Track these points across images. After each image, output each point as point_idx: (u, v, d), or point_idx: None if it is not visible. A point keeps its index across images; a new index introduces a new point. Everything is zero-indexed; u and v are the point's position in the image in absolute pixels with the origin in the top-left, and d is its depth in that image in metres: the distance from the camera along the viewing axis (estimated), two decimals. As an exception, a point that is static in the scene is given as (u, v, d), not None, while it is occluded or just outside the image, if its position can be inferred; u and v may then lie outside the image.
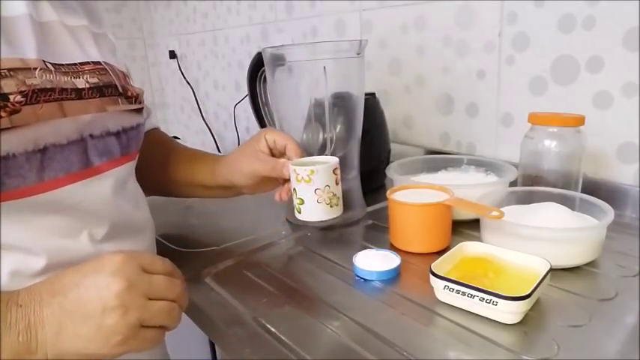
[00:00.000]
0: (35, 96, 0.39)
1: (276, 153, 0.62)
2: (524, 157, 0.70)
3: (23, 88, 0.38)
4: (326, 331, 0.46)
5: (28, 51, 0.41)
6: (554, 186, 0.66)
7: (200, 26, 1.78)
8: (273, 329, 0.47)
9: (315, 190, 0.54)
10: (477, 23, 0.87)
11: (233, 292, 0.54)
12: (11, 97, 0.37)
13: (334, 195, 0.55)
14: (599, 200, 0.59)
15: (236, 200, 0.71)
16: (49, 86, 0.41)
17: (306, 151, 0.75)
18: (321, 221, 0.56)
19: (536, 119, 0.69)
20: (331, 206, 0.56)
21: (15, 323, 0.35)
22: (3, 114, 0.37)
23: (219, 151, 1.80)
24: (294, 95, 0.73)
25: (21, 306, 0.36)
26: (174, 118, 2.21)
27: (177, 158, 0.68)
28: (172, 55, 1.99)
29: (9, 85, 0.38)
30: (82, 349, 0.37)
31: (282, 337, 0.45)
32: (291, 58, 0.68)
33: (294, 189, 0.55)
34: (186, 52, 1.94)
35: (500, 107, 0.87)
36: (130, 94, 0.51)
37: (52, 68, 0.42)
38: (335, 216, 0.56)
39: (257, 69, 0.83)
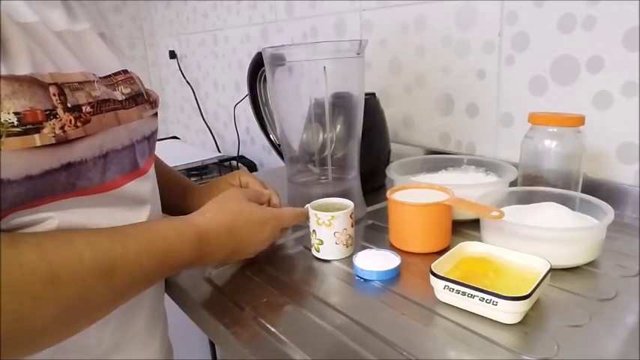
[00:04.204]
0: (99, 106, 0.42)
1: None
2: (524, 157, 0.70)
3: (90, 100, 0.42)
4: (326, 331, 0.46)
5: (84, 64, 0.44)
6: (554, 186, 0.66)
7: (200, 26, 1.78)
8: (273, 329, 0.47)
9: (334, 233, 0.59)
10: (477, 23, 0.87)
11: (233, 292, 0.54)
12: (83, 108, 0.41)
13: (350, 236, 0.61)
14: (599, 200, 0.59)
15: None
16: (106, 97, 0.44)
17: (307, 150, 0.76)
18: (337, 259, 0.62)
19: (536, 119, 0.69)
20: (347, 246, 0.61)
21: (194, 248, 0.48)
22: (79, 124, 0.40)
23: (219, 151, 1.80)
24: (294, 95, 0.73)
25: (210, 245, 0.49)
26: (174, 118, 2.21)
27: (193, 197, 0.70)
28: (172, 55, 1.99)
29: (81, 97, 0.41)
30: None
31: (282, 337, 0.45)
32: (291, 58, 0.68)
33: (314, 231, 0.60)
34: (186, 52, 1.94)
35: (500, 107, 0.87)
36: (151, 99, 0.54)
37: (101, 81, 0.45)
38: (350, 254, 0.61)
39: (257, 69, 0.83)
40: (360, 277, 0.56)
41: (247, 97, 0.87)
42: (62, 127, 0.38)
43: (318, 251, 0.61)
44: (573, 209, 0.61)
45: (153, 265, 0.44)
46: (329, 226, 0.59)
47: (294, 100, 0.73)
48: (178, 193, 0.69)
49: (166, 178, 0.67)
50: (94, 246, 0.39)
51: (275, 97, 0.74)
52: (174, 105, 2.18)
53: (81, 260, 0.38)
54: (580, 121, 0.66)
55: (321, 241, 0.60)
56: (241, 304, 0.52)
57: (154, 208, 0.52)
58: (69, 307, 0.37)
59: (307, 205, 0.62)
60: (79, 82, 0.41)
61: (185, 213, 0.51)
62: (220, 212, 0.52)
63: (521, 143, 0.70)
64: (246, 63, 0.94)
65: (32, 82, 0.37)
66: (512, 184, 0.70)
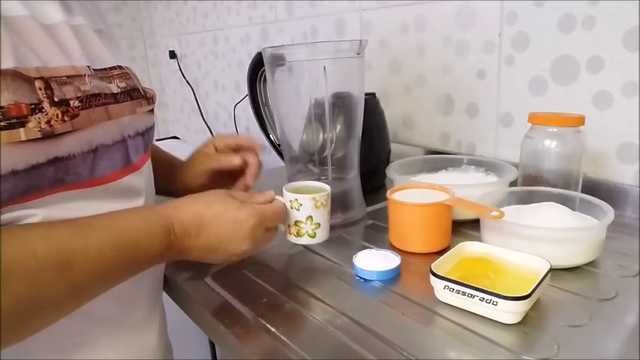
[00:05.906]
0: (88, 101, 0.42)
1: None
2: (524, 157, 0.70)
3: (79, 94, 0.41)
4: (326, 331, 0.46)
5: (75, 58, 0.44)
6: (554, 186, 0.66)
7: (200, 26, 1.78)
8: (273, 329, 0.47)
9: (328, 212, 0.57)
10: (477, 23, 0.87)
11: (233, 292, 0.54)
12: (71, 103, 0.40)
13: None
14: (599, 200, 0.59)
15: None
16: (96, 92, 0.43)
17: (307, 150, 0.76)
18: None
19: (536, 119, 0.69)
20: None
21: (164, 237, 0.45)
22: (66, 118, 0.40)
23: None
24: (294, 95, 0.73)
25: (177, 237, 0.45)
26: (174, 118, 2.21)
27: (176, 171, 0.69)
28: (172, 55, 1.99)
29: (69, 92, 0.40)
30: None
31: (282, 337, 0.45)
32: (291, 58, 0.68)
33: (310, 217, 0.56)
34: (186, 52, 1.94)
35: (500, 107, 0.87)
36: (148, 95, 0.54)
37: (94, 74, 0.45)
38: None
39: (257, 69, 0.83)
40: (360, 277, 0.56)
41: (247, 97, 0.87)
42: (48, 122, 0.38)
43: (313, 237, 0.56)
44: (573, 209, 0.61)
45: (119, 258, 0.41)
46: (326, 206, 0.56)
47: (294, 100, 0.73)
48: (167, 175, 0.68)
49: (161, 163, 0.66)
50: (50, 240, 0.37)
51: (275, 97, 0.74)
52: (174, 105, 2.18)
53: (34, 255, 0.36)
54: (580, 121, 0.66)
55: (319, 224, 0.56)
56: (241, 303, 0.52)
57: (148, 199, 0.52)
58: (21, 302, 0.35)
59: (280, 198, 0.55)
60: (68, 76, 0.41)
61: (172, 193, 0.50)
62: (192, 203, 0.48)
63: (521, 143, 0.70)
64: (246, 63, 0.94)
65: (16, 75, 0.37)
66: (512, 184, 0.70)
